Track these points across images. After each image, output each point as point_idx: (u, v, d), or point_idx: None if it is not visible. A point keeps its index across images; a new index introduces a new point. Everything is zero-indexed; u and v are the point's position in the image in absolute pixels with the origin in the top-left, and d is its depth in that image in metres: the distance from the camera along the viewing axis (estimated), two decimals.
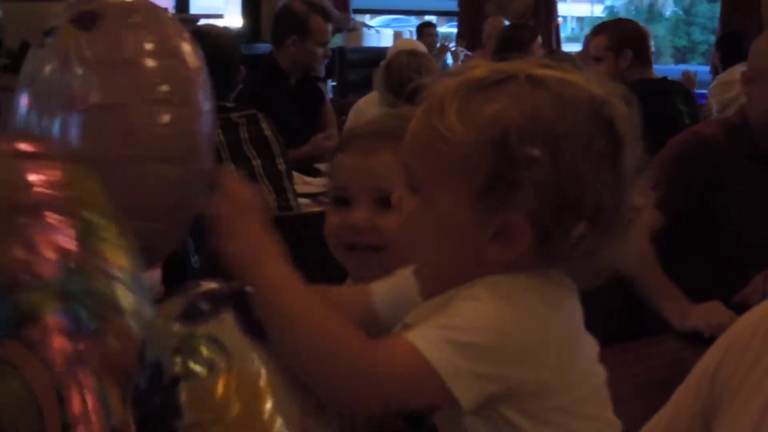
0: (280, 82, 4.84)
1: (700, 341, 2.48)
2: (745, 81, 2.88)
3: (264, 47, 8.22)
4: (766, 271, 2.57)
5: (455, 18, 11.04)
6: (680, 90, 4.68)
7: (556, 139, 1.10)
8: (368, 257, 1.61)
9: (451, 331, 1.09)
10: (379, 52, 9.52)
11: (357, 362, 1.09)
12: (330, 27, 5.13)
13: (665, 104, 4.43)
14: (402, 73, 4.20)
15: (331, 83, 8.57)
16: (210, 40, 3.55)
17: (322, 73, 5.06)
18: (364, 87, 8.60)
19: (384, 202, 1.58)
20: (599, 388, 1.21)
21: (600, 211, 1.11)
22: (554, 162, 1.09)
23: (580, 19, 22.77)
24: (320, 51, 4.96)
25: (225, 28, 4.22)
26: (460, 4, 10.38)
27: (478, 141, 1.11)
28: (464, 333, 1.08)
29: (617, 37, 4.57)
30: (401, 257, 1.32)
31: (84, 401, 1.06)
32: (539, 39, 5.87)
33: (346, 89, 8.96)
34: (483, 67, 1.17)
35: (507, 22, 7.95)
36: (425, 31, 9.49)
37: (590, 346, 1.21)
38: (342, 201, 1.64)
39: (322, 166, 4.29)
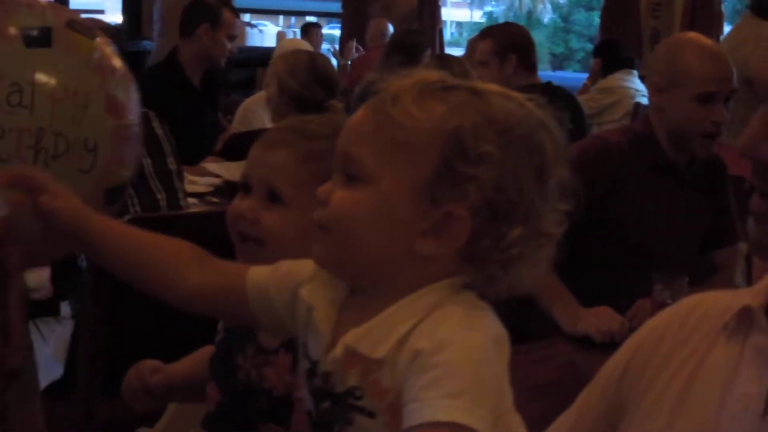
0: (182, 79, 4.78)
1: (589, 345, 2.53)
2: (655, 90, 2.88)
3: (145, 44, 8.11)
4: (644, 300, 2.60)
5: (337, 19, 11.05)
6: (564, 95, 4.73)
7: (507, 142, 1.13)
8: (254, 250, 1.62)
9: (460, 395, 1.07)
10: (263, 52, 9.50)
11: None
12: (239, 23, 5.12)
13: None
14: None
15: None
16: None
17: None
18: (248, 86, 8.59)
19: (272, 197, 1.61)
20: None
21: (528, 221, 1.14)
22: (502, 163, 1.12)
23: (460, 24, 23.08)
24: (228, 44, 4.92)
25: (109, 24, 4.14)
26: (343, 6, 10.38)
27: (434, 130, 1.13)
28: (467, 390, 1.08)
29: (502, 42, 4.58)
30: (279, 255, 1.35)
31: None
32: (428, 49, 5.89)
33: (229, 88, 8.89)
34: (434, 74, 1.19)
35: (390, 25, 8.00)
36: (310, 30, 9.48)
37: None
38: (246, 189, 1.66)
39: (209, 166, 4.25)
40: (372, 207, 1.15)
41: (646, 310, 2.56)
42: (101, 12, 8.43)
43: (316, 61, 4.11)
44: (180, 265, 1.32)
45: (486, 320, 1.15)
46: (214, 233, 1.97)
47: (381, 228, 1.15)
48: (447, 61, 4.63)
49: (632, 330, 2.56)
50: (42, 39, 1.88)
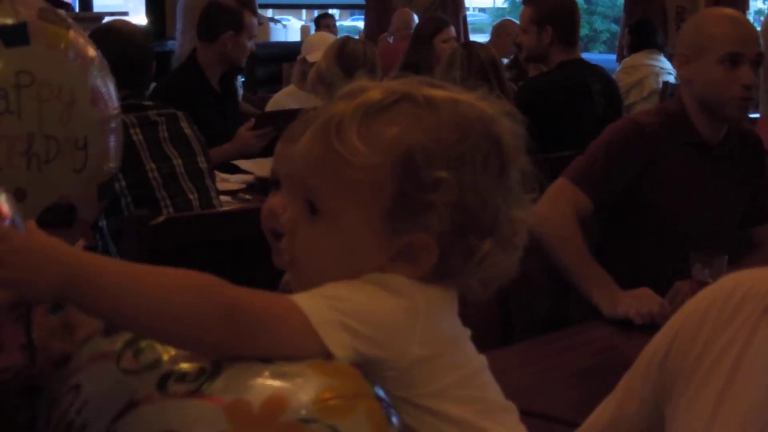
0: (202, 82, 4.78)
1: (629, 328, 2.51)
2: (682, 63, 2.87)
3: (170, 44, 8.14)
4: (684, 281, 2.58)
5: (356, 11, 11.04)
6: (599, 73, 4.65)
7: (459, 159, 1.11)
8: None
9: (325, 289, 1.10)
10: (287, 47, 9.51)
11: (223, 302, 1.05)
12: (256, 21, 5.11)
13: (581, 88, 4.44)
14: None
15: (240, 79, 8.53)
16: (123, 36, 3.48)
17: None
18: (274, 82, 8.60)
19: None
20: (476, 373, 1.20)
21: (496, 227, 1.14)
22: (458, 182, 1.11)
23: (483, 10, 22.96)
24: (249, 45, 4.93)
25: (136, 25, 4.14)
26: None
27: (383, 163, 1.11)
28: (336, 292, 1.10)
29: (540, 11, 4.51)
30: None
31: None
32: (451, 29, 5.86)
33: (255, 85, 8.90)
34: (376, 90, 1.16)
35: (415, 15, 7.98)
36: (323, 22, 9.47)
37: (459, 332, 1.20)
38: (276, 185, 1.65)
39: (240, 163, 4.25)
40: (335, 243, 1.14)
41: (686, 291, 2.54)
42: (125, 14, 8.45)
43: (345, 46, 4.13)
44: None
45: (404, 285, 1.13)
46: (249, 231, 1.97)
47: (346, 262, 1.14)
48: (473, 48, 4.62)
49: (673, 311, 2.56)
50: (19, 36, 1.77)
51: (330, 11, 11.95)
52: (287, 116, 4.35)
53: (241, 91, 5.74)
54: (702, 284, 2.50)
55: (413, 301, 1.11)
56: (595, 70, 4.62)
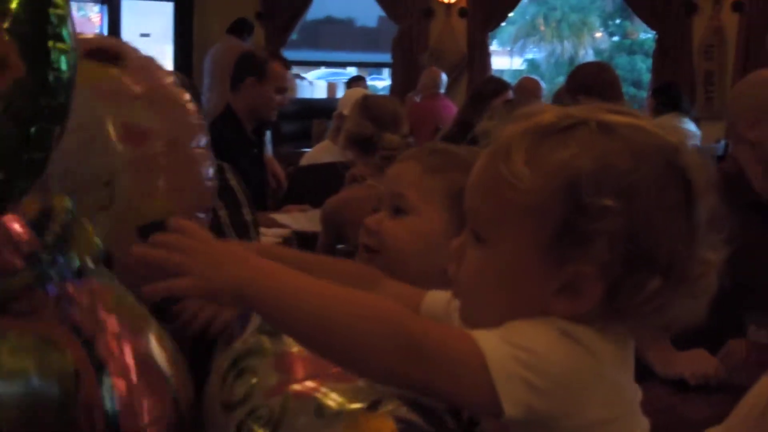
0: (240, 135, 4.80)
1: (684, 388, 2.49)
2: (747, 126, 2.84)
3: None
4: (737, 341, 2.56)
5: (375, 70, 11.14)
6: None
7: (630, 188, 1.05)
8: (368, 257, 1.65)
9: (509, 332, 1.06)
10: (314, 104, 9.59)
11: (409, 335, 1.03)
12: (290, 75, 5.11)
13: None
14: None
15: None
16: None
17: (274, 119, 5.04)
18: (301, 138, 8.64)
19: (397, 210, 1.65)
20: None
21: (673, 265, 1.07)
22: (628, 212, 1.05)
23: (501, 72, 23.12)
24: (278, 97, 4.92)
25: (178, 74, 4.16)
26: (393, 56, 10.45)
27: (547, 189, 1.06)
28: (521, 338, 1.05)
29: (572, 84, 4.58)
30: (392, 262, 1.41)
31: (106, 338, 1.28)
32: (510, 92, 5.86)
33: (281, 140, 8.95)
34: (551, 112, 1.12)
35: (443, 74, 8.02)
36: (354, 84, 9.54)
37: (634, 393, 1.16)
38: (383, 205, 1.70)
39: (278, 217, 4.26)
40: (497, 269, 1.11)
41: (739, 352, 2.52)
42: None
43: (367, 99, 4.17)
44: (357, 287, 1.22)
45: (589, 337, 1.08)
46: None
47: (509, 291, 1.10)
48: (511, 106, 4.62)
49: (726, 371, 2.54)
50: None
51: (351, 69, 12.07)
52: (326, 169, 4.39)
53: (269, 147, 5.75)
54: (757, 345, 2.49)
55: (599, 357, 1.07)
56: None
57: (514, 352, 1.04)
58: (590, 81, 4.57)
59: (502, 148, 1.10)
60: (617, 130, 1.09)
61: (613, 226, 1.04)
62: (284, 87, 5.00)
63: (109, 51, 1.82)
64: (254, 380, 1.32)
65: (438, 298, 1.29)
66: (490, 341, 1.05)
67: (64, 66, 1.17)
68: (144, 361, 1.31)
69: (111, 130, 1.77)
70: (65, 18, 1.18)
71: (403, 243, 1.63)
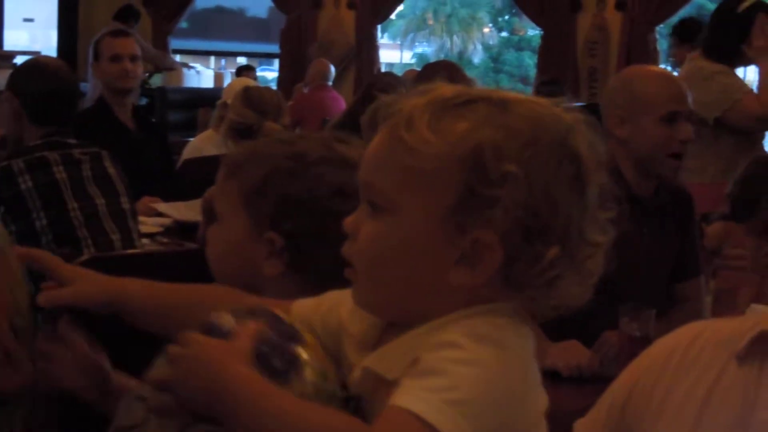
0: (112, 121, 4.67)
1: (557, 379, 2.51)
2: (617, 123, 2.85)
3: (83, 86, 8.03)
4: (611, 332, 2.59)
5: (266, 60, 11.07)
6: None
7: (530, 157, 1.07)
8: None
9: (445, 392, 1.03)
10: (201, 93, 9.48)
11: None
12: (128, 42, 4.84)
13: None
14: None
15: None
16: (50, 71, 3.42)
17: (138, 98, 4.93)
18: (188, 127, 8.54)
19: (210, 217, 1.64)
20: None
21: (568, 237, 1.09)
22: (528, 180, 1.07)
23: (391, 65, 23.20)
24: (116, 66, 4.70)
25: (61, 61, 4.02)
26: (281, 47, 10.40)
27: (451, 154, 1.07)
28: (458, 391, 1.03)
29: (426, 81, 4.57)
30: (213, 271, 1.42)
31: None
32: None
33: (166, 129, 8.83)
34: (451, 87, 1.14)
35: (332, 65, 8.03)
36: (244, 74, 9.48)
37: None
38: None
39: (159, 206, 4.19)
40: (398, 238, 1.10)
41: (612, 343, 2.55)
42: (38, 53, 8.32)
43: (249, 89, 4.16)
44: (218, 307, 1.25)
45: (508, 336, 1.10)
46: (170, 273, 1.94)
47: (409, 260, 1.10)
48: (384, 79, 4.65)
49: (600, 362, 2.57)
50: None
51: (238, 59, 11.98)
52: (212, 162, 4.32)
53: None
54: (630, 338, 2.52)
55: (523, 354, 1.10)
56: None
57: (441, 396, 1.03)
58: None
59: (404, 118, 1.11)
60: (517, 105, 1.11)
61: (513, 192, 1.06)
62: (117, 54, 4.73)
63: None
64: None
65: (306, 305, 1.29)
66: (418, 403, 1.03)
67: None
68: None
69: None
70: None
71: (212, 253, 1.63)
